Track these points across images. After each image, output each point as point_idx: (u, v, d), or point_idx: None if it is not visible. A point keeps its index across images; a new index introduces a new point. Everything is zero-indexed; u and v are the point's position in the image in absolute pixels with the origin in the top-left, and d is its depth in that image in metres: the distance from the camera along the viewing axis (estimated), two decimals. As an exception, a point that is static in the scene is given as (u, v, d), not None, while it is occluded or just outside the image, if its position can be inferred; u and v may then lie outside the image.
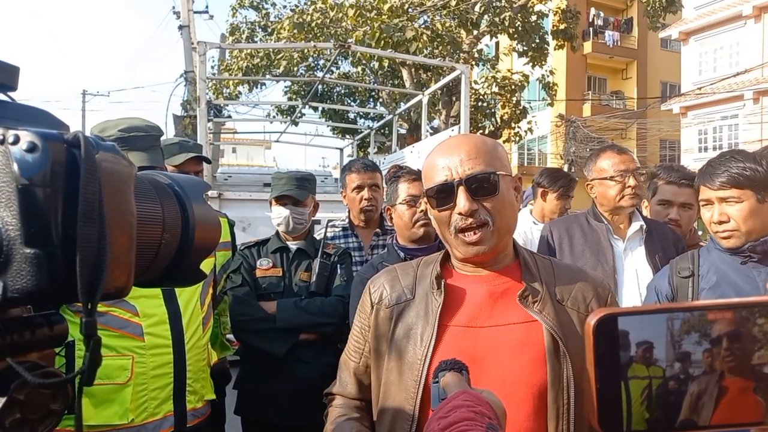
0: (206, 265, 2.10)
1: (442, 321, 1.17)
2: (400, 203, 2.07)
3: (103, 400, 1.73)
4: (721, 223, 1.69)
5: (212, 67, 14.10)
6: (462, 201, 1.13)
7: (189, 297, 1.95)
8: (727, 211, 1.68)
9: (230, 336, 2.59)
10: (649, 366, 0.43)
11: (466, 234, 1.14)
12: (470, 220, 1.13)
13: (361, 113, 15.77)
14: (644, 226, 2.32)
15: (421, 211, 2.00)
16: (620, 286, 2.24)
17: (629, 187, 2.25)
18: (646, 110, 25.02)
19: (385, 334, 1.25)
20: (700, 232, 3.09)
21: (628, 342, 0.43)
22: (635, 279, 2.25)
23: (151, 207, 0.55)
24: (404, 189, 2.08)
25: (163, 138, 2.14)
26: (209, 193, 5.12)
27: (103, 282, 0.43)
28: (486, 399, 0.82)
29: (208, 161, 2.81)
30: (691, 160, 20.84)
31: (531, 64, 12.74)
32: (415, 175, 2.08)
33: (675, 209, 2.55)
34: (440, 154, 1.20)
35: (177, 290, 1.89)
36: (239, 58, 13.15)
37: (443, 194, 1.16)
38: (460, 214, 1.14)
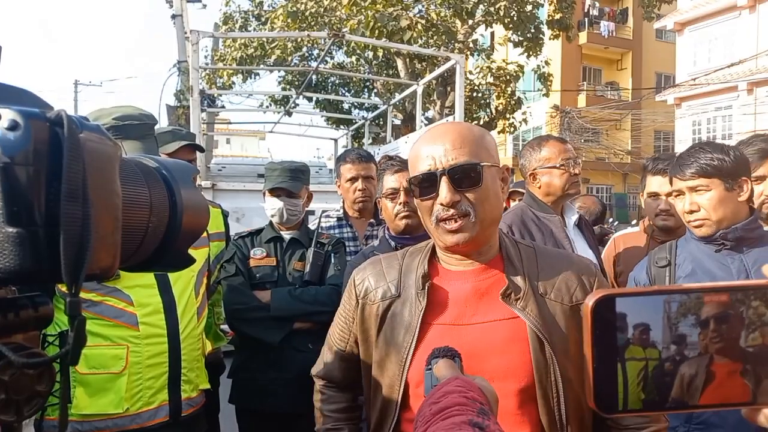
0: (200, 255, 2.12)
1: (426, 320, 1.18)
2: (383, 196, 2.07)
3: (99, 390, 1.73)
4: (692, 212, 1.72)
5: (205, 57, 14.00)
6: (444, 192, 1.12)
7: (184, 287, 1.95)
8: (697, 200, 1.71)
9: (224, 327, 2.59)
10: (645, 347, 0.43)
11: (447, 222, 1.14)
12: (452, 211, 1.13)
13: (355, 103, 15.70)
14: (579, 216, 2.38)
15: (401, 203, 2.00)
16: None
17: (575, 174, 2.28)
18: (640, 101, 25.06)
19: (370, 330, 1.26)
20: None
21: (626, 324, 0.43)
22: None
23: (138, 190, 0.55)
24: (386, 181, 2.08)
25: (156, 127, 2.13)
26: (203, 183, 5.10)
27: (87, 262, 0.43)
28: (478, 385, 0.82)
29: (202, 149, 2.79)
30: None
31: (526, 54, 12.70)
32: (398, 167, 2.07)
33: (664, 200, 2.51)
34: (425, 143, 1.19)
35: (172, 280, 1.90)
36: (233, 48, 13.05)
37: (426, 184, 1.16)
38: (441, 204, 1.13)
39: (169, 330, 1.84)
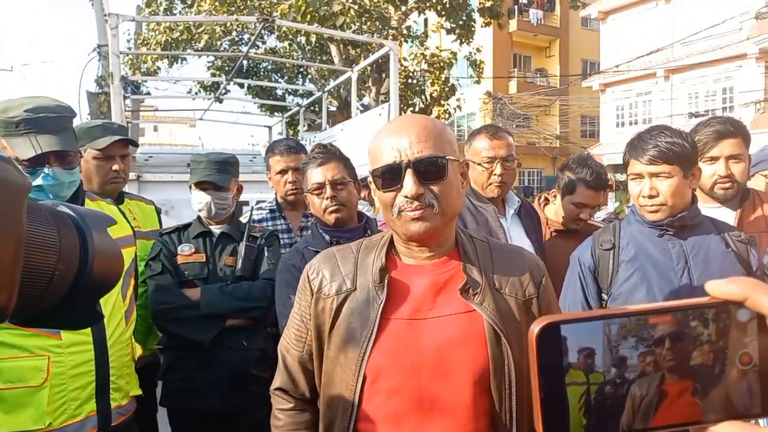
0: (127, 256, 2.00)
1: (384, 315, 1.17)
2: (308, 191, 2.02)
3: (16, 405, 1.61)
4: (651, 197, 1.74)
5: (128, 41, 13.28)
6: (409, 184, 1.12)
7: None
8: (657, 186, 1.73)
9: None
10: (588, 372, 0.43)
11: (411, 211, 1.13)
12: (416, 203, 1.12)
13: (289, 90, 15.39)
14: (519, 204, 2.40)
15: (328, 198, 1.96)
16: None
17: (496, 175, 2.26)
18: (567, 87, 26.04)
19: (325, 325, 1.23)
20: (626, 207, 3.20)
21: (567, 348, 0.42)
22: None
23: (45, 231, 0.51)
24: (310, 176, 2.02)
25: (85, 120, 1.98)
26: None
27: None
28: None
29: (135, 144, 2.62)
30: (611, 134, 21.96)
31: (459, 41, 12.85)
32: (321, 159, 2.02)
33: (587, 211, 2.54)
34: (389, 135, 1.17)
35: None
36: (157, 32, 12.43)
37: (390, 176, 1.14)
38: (405, 197, 1.12)
39: (95, 336, 1.74)
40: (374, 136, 1.23)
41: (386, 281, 1.18)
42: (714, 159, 2.11)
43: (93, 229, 0.57)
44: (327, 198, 1.96)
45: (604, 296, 1.88)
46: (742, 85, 18.82)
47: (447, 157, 1.15)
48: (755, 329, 0.43)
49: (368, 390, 1.16)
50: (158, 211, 2.61)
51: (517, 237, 2.34)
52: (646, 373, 0.43)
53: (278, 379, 1.34)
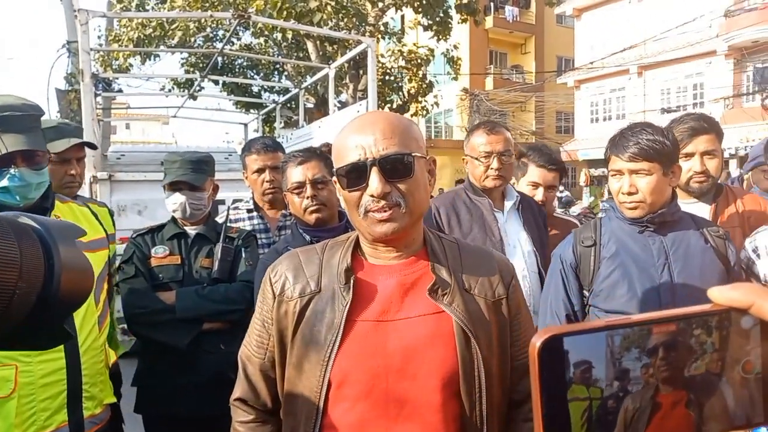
0: (100, 259, 1.94)
1: (350, 317, 1.12)
2: (288, 191, 1.98)
3: None
4: (630, 194, 1.74)
5: (99, 38, 12.99)
6: (375, 182, 1.08)
7: None
8: (636, 183, 1.73)
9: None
10: (591, 386, 0.41)
11: (377, 212, 1.09)
12: (382, 202, 1.09)
13: (265, 87, 15.22)
14: (519, 199, 2.43)
15: (309, 197, 1.92)
16: (508, 257, 2.31)
17: (492, 169, 2.31)
18: (543, 84, 26.30)
19: (288, 329, 1.18)
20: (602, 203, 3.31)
21: (570, 361, 0.41)
22: (519, 249, 2.33)
23: (4, 246, 0.47)
24: (290, 175, 1.98)
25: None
26: (99, 174, 4.72)
27: None
28: None
29: (93, 147, 2.52)
30: (586, 130, 22.27)
31: (436, 38, 12.86)
32: (302, 158, 1.98)
33: (542, 191, 2.66)
34: (353, 132, 1.13)
35: None
36: (129, 28, 12.18)
37: (355, 174, 1.10)
38: (372, 196, 1.08)
39: (66, 344, 1.67)
40: (338, 134, 1.19)
41: (352, 282, 1.14)
42: (689, 155, 2.14)
43: (59, 241, 0.53)
44: (307, 197, 1.92)
45: (586, 293, 1.88)
46: (712, 81, 19.26)
47: (413, 154, 1.11)
48: (758, 336, 0.42)
49: (333, 396, 1.11)
50: (111, 214, 2.49)
51: (513, 230, 2.35)
52: (646, 384, 0.41)
53: (238, 389, 1.26)
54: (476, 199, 2.36)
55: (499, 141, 2.33)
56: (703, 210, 2.15)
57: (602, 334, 0.41)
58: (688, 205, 2.13)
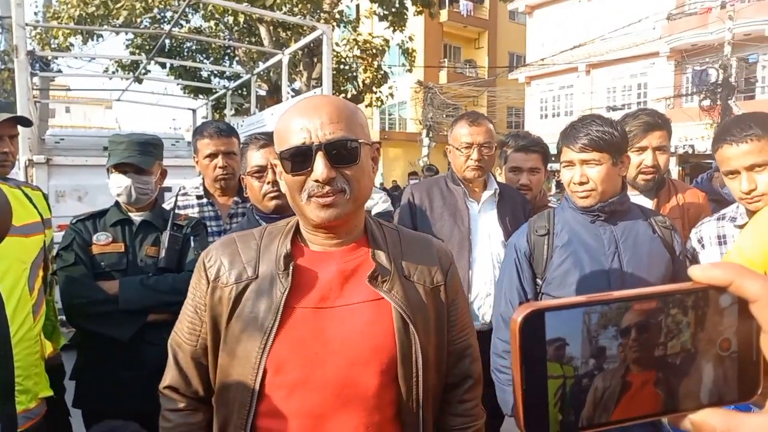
0: (34, 244, 1.81)
1: (288, 303, 1.10)
2: (247, 174, 1.92)
3: None
4: (581, 183, 1.79)
5: (35, 14, 12.27)
6: (320, 167, 1.05)
7: (14, 282, 1.68)
8: (587, 173, 1.78)
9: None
10: (565, 363, 0.40)
11: (321, 198, 1.07)
12: (327, 188, 1.06)
13: (215, 72, 14.80)
14: (497, 190, 2.46)
15: (269, 182, 1.87)
16: (474, 246, 2.37)
17: (472, 159, 2.37)
18: (495, 79, 26.75)
19: (222, 316, 1.15)
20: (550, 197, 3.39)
21: (549, 337, 0.40)
22: (487, 239, 2.39)
23: None
24: (251, 158, 1.93)
25: None
26: (35, 158, 4.46)
27: None
28: None
29: (27, 123, 2.35)
30: (535, 125, 22.81)
31: (391, 28, 12.83)
32: (264, 141, 1.93)
33: (525, 174, 2.73)
34: (298, 114, 1.09)
35: None
36: (70, 5, 11.55)
37: (299, 158, 1.07)
38: (316, 181, 1.06)
39: None
40: (281, 116, 1.15)
41: (291, 268, 1.12)
42: (642, 149, 2.21)
43: None
44: (268, 182, 1.87)
45: (539, 281, 1.91)
46: (655, 81, 20.07)
47: (360, 140, 1.09)
48: (735, 314, 0.42)
49: (270, 383, 1.09)
50: (46, 198, 2.33)
51: (484, 220, 2.41)
52: (620, 363, 0.41)
53: (168, 377, 1.23)
54: (452, 187, 2.44)
55: (480, 132, 2.39)
56: (646, 203, 2.22)
57: (582, 309, 0.40)
58: (632, 197, 2.20)
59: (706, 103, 17.08)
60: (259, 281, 1.13)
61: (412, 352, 1.11)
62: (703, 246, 1.93)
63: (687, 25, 18.71)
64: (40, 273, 1.89)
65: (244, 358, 1.10)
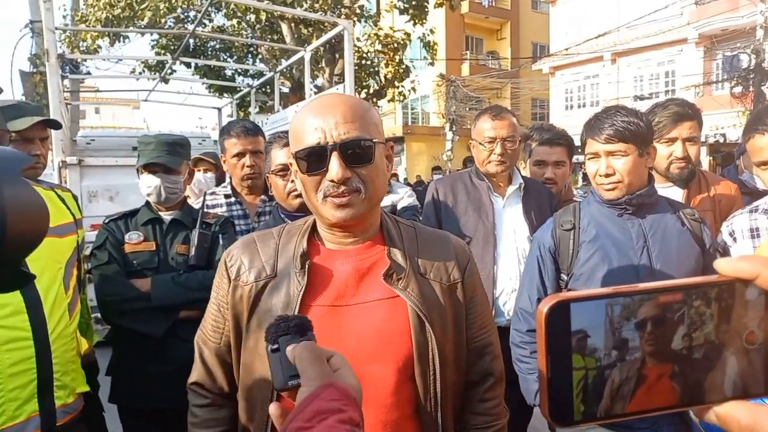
0: (68, 244, 1.87)
1: (305, 301, 1.12)
2: (272, 173, 1.94)
3: None
4: (607, 175, 1.76)
5: (64, 17, 12.53)
6: (335, 168, 1.05)
7: (50, 282, 1.73)
8: (613, 164, 1.75)
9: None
10: (586, 355, 0.41)
11: (336, 197, 1.08)
12: (342, 188, 1.07)
13: (239, 70, 14.95)
14: (522, 185, 2.43)
15: (293, 181, 1.89)
16: (499, 241, 2.36)
17: (495, 154, 2.35)
18: (518, 70, 26.40)
19: (243, 314, 1.17)
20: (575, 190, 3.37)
21: (575, 328, 0.41)
22: (513, 234, 2.38)
23: None
24: (275, 157, 1.95)
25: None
26: (68, 159, 4.58)
27: None
28: (350, 392, 0.73)
29: (57, 126, 2.42)
30: (560, 117, 22.48)
31: (412, 22, 12.77)
32: (287, 140, 1.94)
33: (549, 168, 2.71)
34: (313, 114, 1.10)
35: (36, 274, 1.65)
36: (96, 8, 11.78)
37: (314, 158, 1.07)
38: (332, 181, 1.06)
39: (35, 331, 1.62)
40: (296, 115, 1.15)
41: (307, 267, 1.13)
42: (672, 140, 2.16)
43: (1, 177, 0.48)
44: (292, 181, 1.88)
45: (564, 277, 1.89)
46: (684, 69, 19.57)
47: (374, 140, 1.09)
48: (762, 307, 0.42)
49: None
50: (75, 198, 2.40)
51: (509, 215, 2.40)
52: (642, 355, 0.41)
53: (195, 374, 1.26)
54: (477, 182, 2.44)
55: (504, 126, 2.37)
56: (676, 194, 2.18)
57: (607, 300, 0.41)
58: (663, 189, 2.16)
59: (738, 89, 16.58)
60: (277, 279, 1.15)
61: (428, 349, 1.11)
62: (734, 239, 1.88)
63: (716, 9, 18.18)
64: (75, 272, 1.94)
65: (264, 356, 1.12)
